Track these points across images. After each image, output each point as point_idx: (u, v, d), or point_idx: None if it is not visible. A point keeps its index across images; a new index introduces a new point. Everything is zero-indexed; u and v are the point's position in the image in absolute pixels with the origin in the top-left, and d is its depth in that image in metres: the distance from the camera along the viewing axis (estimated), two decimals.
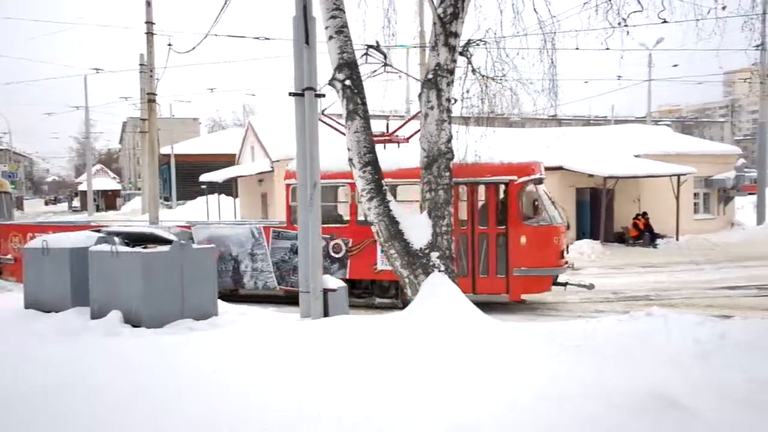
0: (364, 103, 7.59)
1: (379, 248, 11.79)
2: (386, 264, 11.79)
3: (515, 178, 11.59)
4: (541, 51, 8.03)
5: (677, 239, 22.00)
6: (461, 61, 8.07)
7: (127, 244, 8.49)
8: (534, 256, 11.32)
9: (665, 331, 5.66)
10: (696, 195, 25.79)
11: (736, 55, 12.07)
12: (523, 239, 11.41)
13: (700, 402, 3.75)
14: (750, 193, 28.21)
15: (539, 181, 12.07)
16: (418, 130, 13.28)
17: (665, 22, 10.57)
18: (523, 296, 11.88)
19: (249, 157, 27.46)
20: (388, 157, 11.91)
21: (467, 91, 8.29)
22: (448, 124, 7.63)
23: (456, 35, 7.49)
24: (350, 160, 7.71)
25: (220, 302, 8.69)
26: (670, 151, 24.80)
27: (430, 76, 7.57)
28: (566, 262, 11.95)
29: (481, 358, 4.70)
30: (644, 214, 22.82)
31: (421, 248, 7.53)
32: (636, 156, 24.42)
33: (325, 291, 8.11)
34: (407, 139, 12.53)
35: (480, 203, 11.76)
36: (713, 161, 26.64)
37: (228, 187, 27.80)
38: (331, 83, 7.61)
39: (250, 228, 13.21)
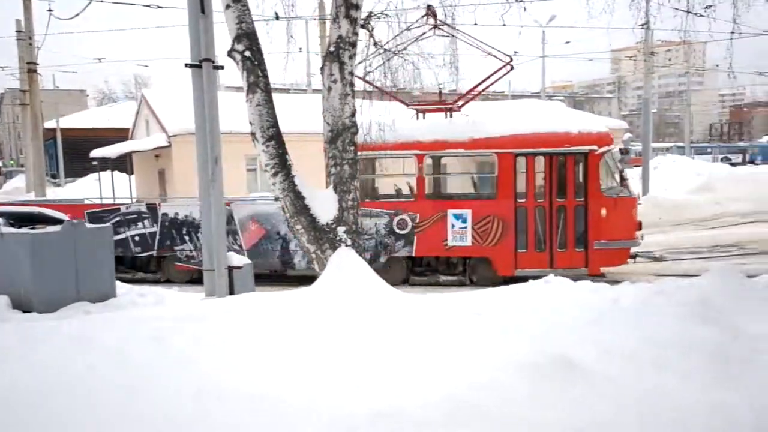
0: (265, 76, 7.40)
1: (449, 223, 11.77)
2: (457, 240, 11.73)
3: (595, 148, 11.24)
4: (442, 25, 8.11)
5: None
6: (363, 34, 8.04)
7: (13, 225, 7.95)
8: (614, 228, 11.12)
9: (562, 297, 5.98)
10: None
11: (623, 33, 12.65)
12: (603, 211, 11.15)
13: (589, 359, 3.98)
14: (635, 166, 29.99)
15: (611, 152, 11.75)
16: (471, 99, 13.35)
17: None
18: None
19: (143, 132, 26.24)
20: (461, 128, 11.73)
21: (370, 65, 8.28)
22: (351, 98, 7.58)
23: (357, 7, 7.42)
24: (252, 134, 7.52)
25: (119, 284, 8.32)
26: None
27: (332, 48, 7.48)
28: (641, 234, 11.79)
29: (384, 331, 4.74)
30: None
31: (327, 223, 7.50)
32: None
33: (230, 269, 7.95)
34: (459, 108, 12.37)
35: (556, 175, 11.39)
36: None
37: (122, 164, 26.47)
38: (230, 54, 7.36)
39: None
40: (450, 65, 8.34)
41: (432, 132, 11.92)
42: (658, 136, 75.84)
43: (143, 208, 13.00)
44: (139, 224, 12.91)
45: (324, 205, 7.55)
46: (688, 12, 8.40)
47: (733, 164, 42.32)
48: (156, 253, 12.90)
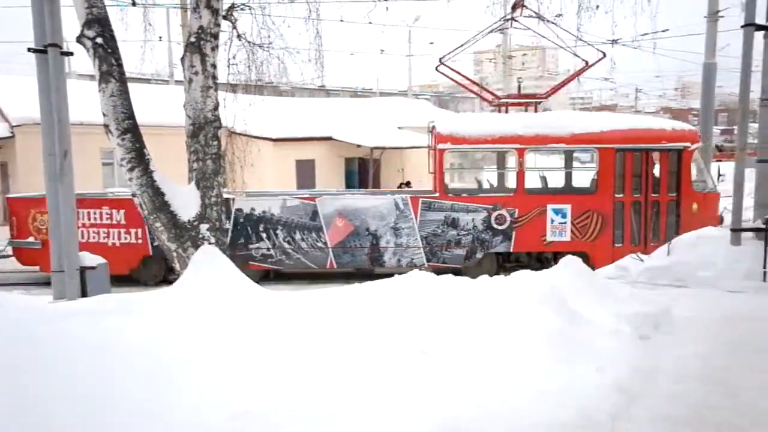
0: (119, 65, 6.99)
1: (549, 219, 11.54)
2: (556, 235, 11.59)
3: (688, 144, 11.50)
4: (307, 20, 8.08)
5: None
6: (226, 26, 7.82)
7: None
8: (702, 222, 11.13)
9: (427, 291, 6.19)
10: (452, 164, 28.19)
11: (485, 36, 13.20)
12: (695, 206, 11.53)
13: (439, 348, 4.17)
14: None
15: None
16: (556, 89, 13.02)
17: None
18: None
19: None
20: (559, 123, 11.42)
21: (233, 57, 8.08)
22: (214, 91, 7.36)
23: None
24: (106, 126, 7.08)
25: None
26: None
27: (192, 39, 7.21)
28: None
29: (244, 328, 4.66)
30: (408, 183, 24.39)
31: (189, 220, 7.24)
32: (399, 128, 25.91)
33: (83, 269, 7.44)
34: (546, 96, 12.48)
35: (651, 170, 11.59)
36: None
37: None
38: (79, 41, 6.88)
39: (394, 199, 11.66)
40: (315, 61, 8.30)
41: (531, 126, 11.86)
42: None
43: None
44: None
45: (186, 201, 7.28)
46: (540, 18, 8.95)
47: (583, 162, 45.67)
48: (228, 252, 11.86)
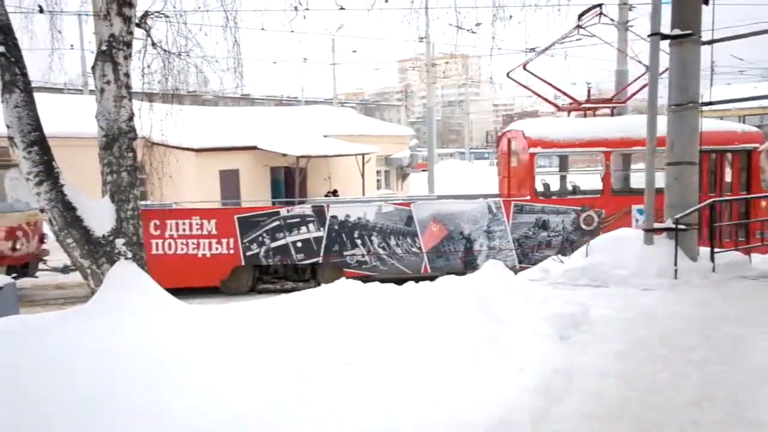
0: (24, 74, 6.61)
1: (633, 218, 11.62)
2: None
3: (757, 145, 11.85)
4: (225, 28, 7.93)
5: None
6: (140, 33, 7.57)
7: None
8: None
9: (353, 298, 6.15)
10: (378, 172, 28.41)
11: (408, 44, 13.38)
12: (763, 204, 11.95)
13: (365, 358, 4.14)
14: (423, 170, 31.96)
15: None
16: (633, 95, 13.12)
17: (342, 9, 11.31)
18: None
19: None
20: (642, 127, 11.17)
21: (148, 66, 7.82)
22: (128, 101, 7.07)
23: (131, 5, 6.94)
24: (10, 138, 6.68)
25: None
26: (355, 132, 26.80)
27: (104, 48, 6.91)
28: None
29: (163, 347, 4.50)
30: (335, 191, 24.36)
31: (104, 235, 6.90)
32: (325, 136, 25.87)
33: None
34: (624, 102, 12.95)
35: (725, 171, 12.02)
36: (392, 141, 29.54)
37: None
38: None
39: (487, 203, 11.87)
40: (234, 70, 8.14)
41: (617, 130, 12.25)
42: (442, 142, 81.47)
43: (308, 211, 11.81)
44: (303, 229, 11.77)
45: (99, 216, 6.94)
46: (458, 28, 9.10)
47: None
48: (322, 260, 11.76)
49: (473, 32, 12.60)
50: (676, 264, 8.72)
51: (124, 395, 3.62)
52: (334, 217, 11.99)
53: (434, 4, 8.83)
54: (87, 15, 19.51)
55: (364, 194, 23.87)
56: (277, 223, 11.98)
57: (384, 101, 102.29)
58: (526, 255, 12.12)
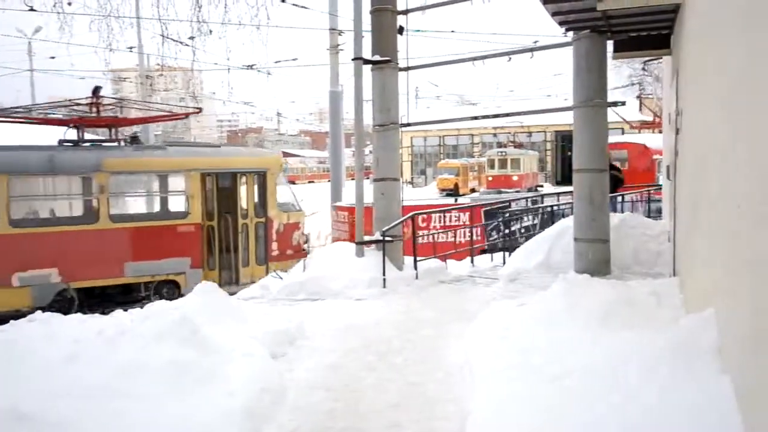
0: None
1: None
2: None
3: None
4: None
5: None
6: None
7: None
8: None
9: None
10: None
11: (123, 55, 12.36)
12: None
13: None
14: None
15: None
16: None
17: (32, 9, 10.07)
18: None
19: None
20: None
21: None
22: None
23: None
24: None
25: None
26: None
27: None
28: None
29: None
30: None
31: None
32: None
33: None
34: None
35: None
36: None
37: None
38: None
39: None
40: None
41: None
42: None
43: None
44: None
45: None
46: (164, 38, 8.70)
47: None
48: None
49: (186, 45, 12.20)
50: (384, 274, 9.32)
51: None
52: None
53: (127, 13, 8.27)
54: None
55: None
56: None
57: None
58: None
